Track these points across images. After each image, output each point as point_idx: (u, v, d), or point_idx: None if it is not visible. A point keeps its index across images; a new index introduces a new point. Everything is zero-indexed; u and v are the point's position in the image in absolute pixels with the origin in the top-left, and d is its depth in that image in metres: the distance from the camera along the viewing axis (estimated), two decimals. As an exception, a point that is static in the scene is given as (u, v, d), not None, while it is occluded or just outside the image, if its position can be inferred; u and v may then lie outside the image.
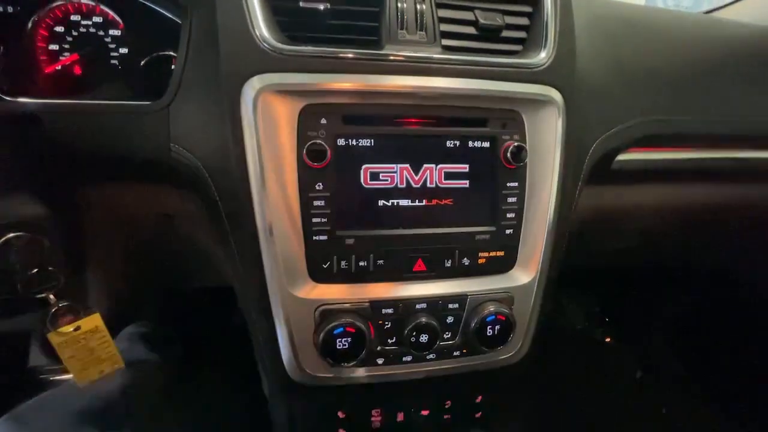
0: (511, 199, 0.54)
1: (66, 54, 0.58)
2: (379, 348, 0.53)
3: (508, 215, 0.54)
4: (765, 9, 0.91)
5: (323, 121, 0.48)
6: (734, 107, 0.71)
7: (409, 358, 0.54)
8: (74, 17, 0.57)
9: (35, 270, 0.46)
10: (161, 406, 0.87)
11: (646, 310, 1.32)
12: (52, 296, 0.48)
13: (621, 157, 0.66)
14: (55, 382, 0.89)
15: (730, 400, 1.15)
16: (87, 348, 0.50)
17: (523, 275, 0.56)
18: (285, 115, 0.47)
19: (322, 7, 0.50)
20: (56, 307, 0.49)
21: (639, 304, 1.34)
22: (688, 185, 0.75)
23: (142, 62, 0.59)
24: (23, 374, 0.85)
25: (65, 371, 0.88)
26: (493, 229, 0.54)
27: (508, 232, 0.55)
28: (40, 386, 0.87)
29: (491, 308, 0.53)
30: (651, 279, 1.27)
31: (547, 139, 0.54)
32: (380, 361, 0.54)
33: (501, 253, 0.55)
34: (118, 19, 0.58)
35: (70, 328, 0.49)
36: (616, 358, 1.33)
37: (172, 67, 0.59)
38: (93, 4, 0.57)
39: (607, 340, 1.36)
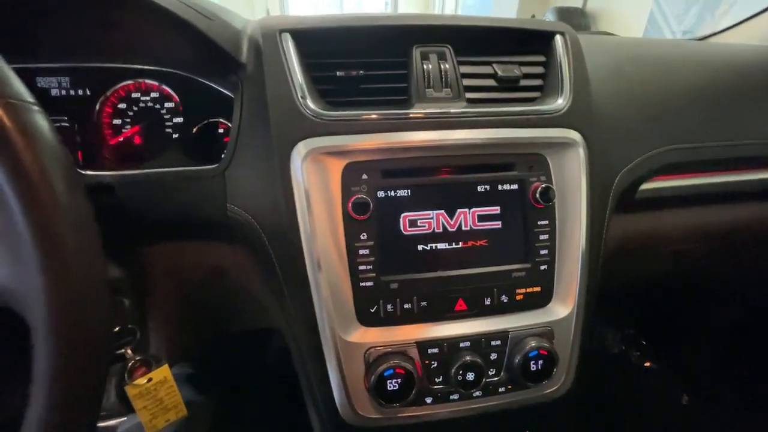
0: (543, 237, 0.57)
1: (128, 127, 0.65)
2: (427, 387, 0.55)
3: (542, 252, 0.57)
4: (763, 33, 0.94)
5: (364, 176, 0.53)
6: (750, 129, 0.73)
7: (456, 397, 0.56)
8: (135, 94, 0.65)
9: (118, 328, 0.51)
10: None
11: (687, 332, 1.29)
12: (129, 351, 0.53)
13: (646, 185, 0.68)
14: (102, 429, 0.92)
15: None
16: (156, 398, 0.54)
17: (562, 308, 0.58)
18: (330, 173, 0.52)
19: (356, 74, 0.56)
20: (132, 361, 0.53)
21: (678, 327, 1.31)
22: (716, 208, 0.76)
23: (194, 129, 0.65)
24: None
25: (111, 417, 0.92)
26: (528, 266, 0.57)
27: (542, 268, 0.57)
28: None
29: (533, 343, 0.55)
30: (687, 300, 1.25)
31: (572, 178, 0.57)
32: (429, 400, 0.55)
33: (538, 289, 0.57)
34: (173, 93, 0.65)
35: (143, 380, 0.53)
36: (658, 382, 1.28)
37: (220, 131, 0.65)
38: (153, 82, 0.65)
39: (647, 364, 1.32)
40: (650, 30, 2.11)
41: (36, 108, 0.34)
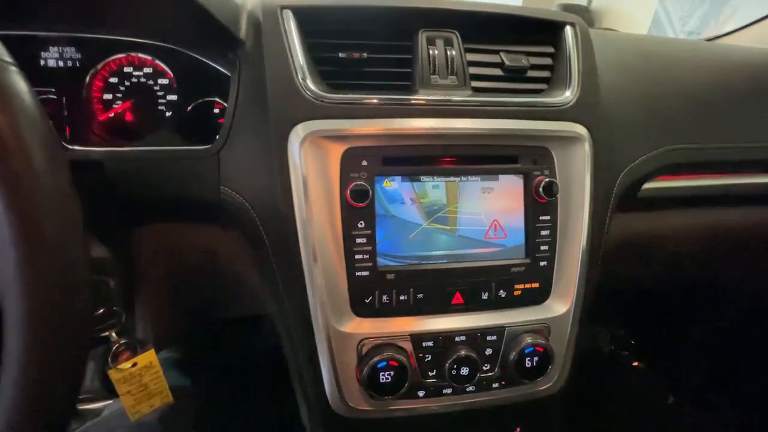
0: (544, 232, 0.56)
1: (119, 102, 0.62)
2: (420, 381, 0.54)
3: (542, 247, 0.56)
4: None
5: (364, 162, 0.51)
6: (757, 131, 0.73)
7: (449, 391, 0.55)
8: (127, 69, 0.62)
9: (102, 310, 0.49)
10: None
11: (675, 333, 1.30)
12: (114, 334, 0.51)
13: (648, 185, 0.67)
14: (87, 411, 0.91)
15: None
16: (141, 383, 0.52)
17: (559, 305, 0.57)
18: (328, 158, 0.50)
19: (359, 56, 0.54)
20: (117, 344, 0.51)
21: (667, 327, 1.32)
22: (716, 210, 0.76)
23: (189, 108, 0.63)
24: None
25: (97, 400, 0.90)
26: (528, 261, 0.56)
27: (542, 263, 0.56)
28: (78, 416, 0.89)
29: (529, 340, 0.54)
30: (678, 302, 1.26)
31: (576, 173, 0.56)
32: (421, 393, 0.55)
33: (536, 285, 0.56)
34: (167, 69, 0.63)
35: (128, 365, 0.51)
36: (645, 382, 1.30)
37: (215, 111, 0.63)
38: (147, 57, 0.62)
39: (635, 364, 1.33)
40: (654, 30, 2.10)
41: (14, 68, 0.31)
